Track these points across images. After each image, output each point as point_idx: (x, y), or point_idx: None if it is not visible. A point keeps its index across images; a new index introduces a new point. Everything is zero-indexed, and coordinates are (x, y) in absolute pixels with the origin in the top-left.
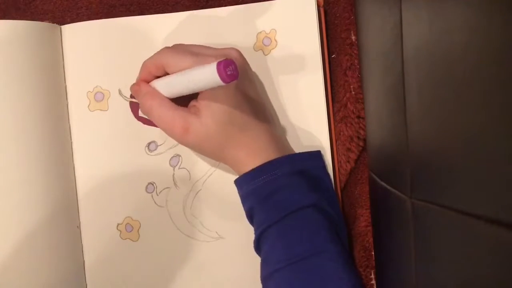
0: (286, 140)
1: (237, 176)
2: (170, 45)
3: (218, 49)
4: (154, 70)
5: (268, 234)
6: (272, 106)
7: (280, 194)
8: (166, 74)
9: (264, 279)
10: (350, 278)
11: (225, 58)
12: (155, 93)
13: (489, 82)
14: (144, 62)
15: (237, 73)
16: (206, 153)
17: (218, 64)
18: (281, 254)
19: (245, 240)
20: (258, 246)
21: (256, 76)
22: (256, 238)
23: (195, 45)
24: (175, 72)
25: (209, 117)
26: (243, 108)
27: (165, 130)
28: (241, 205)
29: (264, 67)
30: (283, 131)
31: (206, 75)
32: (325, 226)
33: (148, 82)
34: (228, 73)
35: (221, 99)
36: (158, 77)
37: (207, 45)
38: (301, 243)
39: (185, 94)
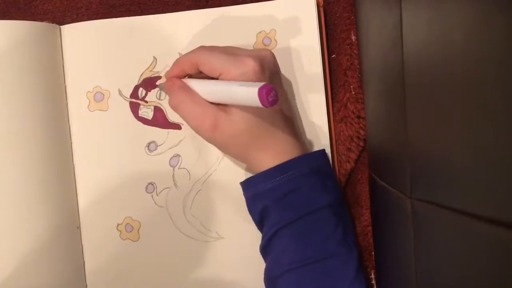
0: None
1: (238, 176)
2: (167, 44)
3: (252, 50)
4: (188, 67)
5: (282, 234)
6: (295, 104)
7: (297, 194)
8: (199, 72)
9: (273, 278)
10: (361, 282)
11: (265, 84)
12: (187, 88)
13: (488, 82)
14: (178, 59)
15: (277, 98)
16: (230, 152)
17: (261, 90)
18: (294, 255)
19: (245, 240)
20: (268, 246)
21: (284, 76)
22: (267, 237)
23: (230, 46)
24: (208, 71)
25: (240, 115)
26: (273, 110)
27: (192, 125)
28: (241, 205)
29: None
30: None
31: (246, 96)
32: (338, 228)
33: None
34: (270, 99)
35: None
36: (190, 75)
37: (240, 47)
38: (315, 245)
39: (222, 103)
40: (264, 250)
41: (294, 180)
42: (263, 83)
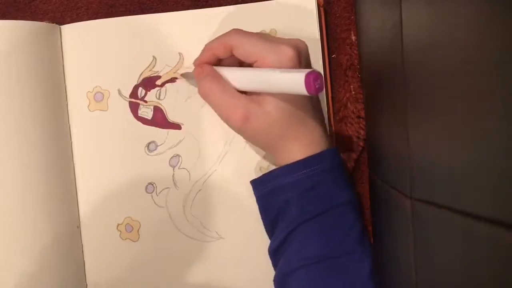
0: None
1: (238, 177)
2: (167, 44)
3: (286, 38)
4: (222, 51)
5: (302, 228)
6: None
7: (319, 189)
8: (231, 56)
9: (286, 275)
10: (374, 281)
11: (311, 70)
12: (217, 77)
13: (489, 82)
14: (208, 44)
15: (323, 86)
16: (260, 143)
17: (307, 76)
18: (311, 251)
19: (245, 240)
20: (284, 243)
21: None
22: (285, 234)
23: (265, 33)
24: (242, 55)
25: (273, 105)
26: (305, 100)
27: (222, 116)
28: (241, 205)
29: None
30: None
31: (291, 83)
32: (357, 225)
33: (211, 65)
34: (317, 86)
35: None
36: (219, 61)
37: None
38: (333, 242)
39: (256, 91)
40: (277, 250)
41: (317, 175)
42: (309, 70)
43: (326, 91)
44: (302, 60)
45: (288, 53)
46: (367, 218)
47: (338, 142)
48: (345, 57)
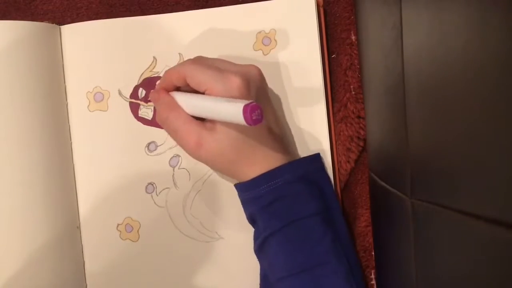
0: (294, 143)
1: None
2: (167, 44)
3: (239, 65)
4: (176, 79)
5: (270, 242)
6: (281, 110)
7: (281, 202)
8: (187, 85)
9: (270, 284)
10: None
11: (251, 102)
12: (173, 104)
13: (489, 82)
14: (167, 70)
15: (261, 118)
16: (218, 169)
17: (245, 108)
18: (283, 264)
19: (245, 240)
20: (260, 250)
21: (271, 90)
22: (259, 243)
23: (218, 59)
24: (194, 85)
25: (224, 133)
26: (259, 127)
27: (177, 142)
28: (241, 205)
29: (263, 67)
30: (286, 134)
31: (231, 113)
32: (326, 236)
33: (168, 91)
34: (254, 118)
35: None
36: (178, 87)
37: (228, 60)
38: (302, 254)
39: (208, 118)
40: (257, 253)
41: (278, 189)
42: (248, 101)
43: (326, 91)
44: (251, 88)
45: (235, 82)
46: (366, 219)
47: (338, 142)
48: (345, 57)
